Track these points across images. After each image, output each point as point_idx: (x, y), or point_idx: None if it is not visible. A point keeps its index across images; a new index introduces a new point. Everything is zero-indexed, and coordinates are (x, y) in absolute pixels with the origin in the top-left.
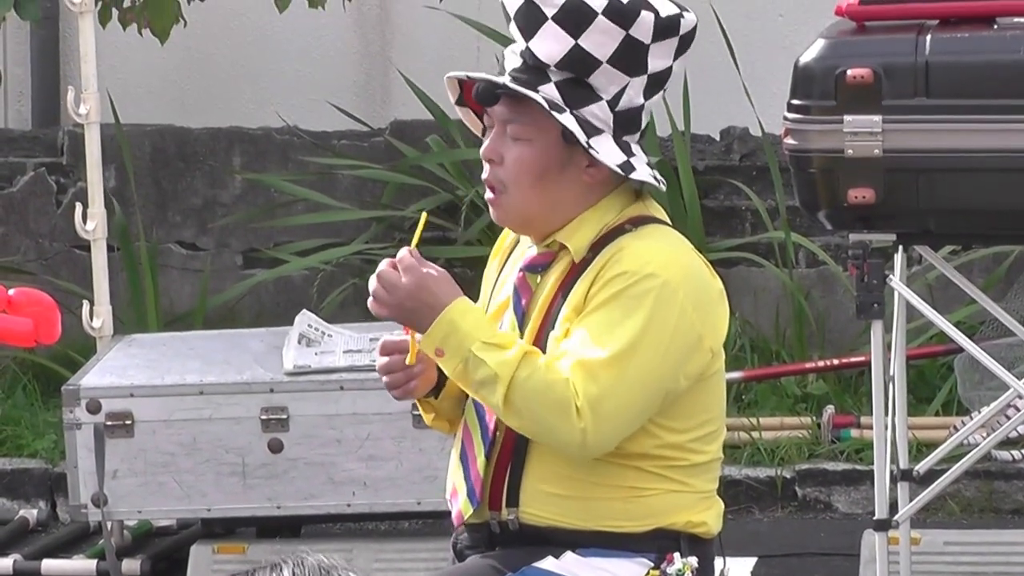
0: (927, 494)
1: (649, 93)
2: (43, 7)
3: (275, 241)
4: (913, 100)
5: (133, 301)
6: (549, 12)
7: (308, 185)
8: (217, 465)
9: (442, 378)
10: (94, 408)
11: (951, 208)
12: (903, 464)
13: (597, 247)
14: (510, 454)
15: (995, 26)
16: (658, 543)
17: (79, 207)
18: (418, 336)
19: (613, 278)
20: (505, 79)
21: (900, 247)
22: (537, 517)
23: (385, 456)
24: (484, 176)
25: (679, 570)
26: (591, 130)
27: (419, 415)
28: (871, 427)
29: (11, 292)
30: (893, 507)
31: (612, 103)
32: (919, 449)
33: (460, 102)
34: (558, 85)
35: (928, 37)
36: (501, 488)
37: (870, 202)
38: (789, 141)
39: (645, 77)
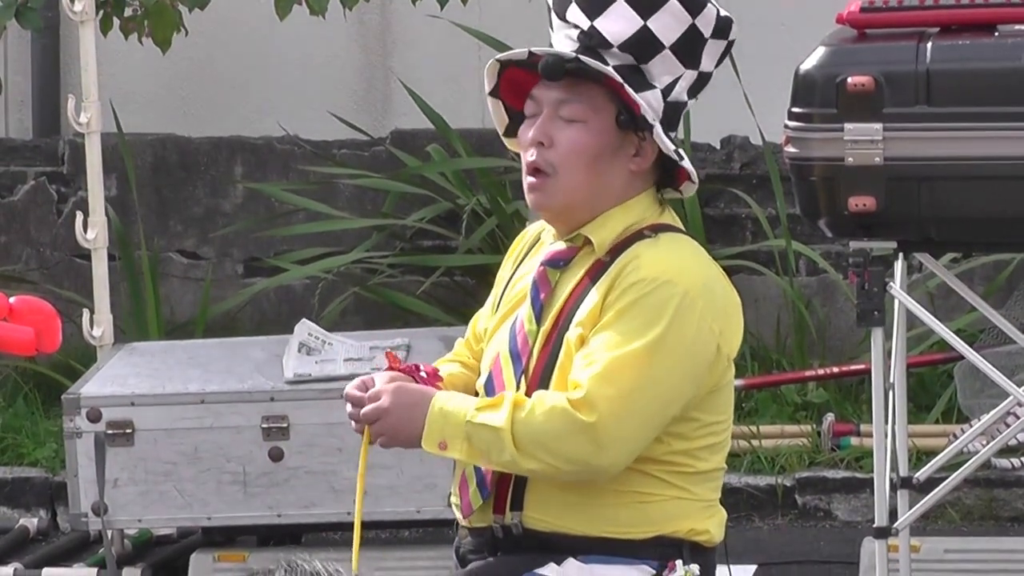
0: (927, 502)
1: (693, 92)
2: (44, 16)
3: (276, 250)
4: (914, 108)
5: (134, 310)
6: None
7: (309, 194)
8: (218, 474)
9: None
10: (95, 417)
11: (952, 216)
12: (903, 472)
13: (617, 249)
14: None
15: (996, 33)
16: (660, 550)
17: (80, 216)
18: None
19: (631, 285)
20: (589, 60)
21: (900, 255)
22: (541, 522)
23: (385, 465)
24: (530, 158)
25: None
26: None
27: None
28: (871, 435)
29: (12, 300)
30: (893, 515)
31: (665, 92)
32: (919, 457)
33: (493, 93)
34: (617, 69)
35: (929, 45)
36: (506, 491)
37: (871, 210)
38: (790, 149)
39: (696, 73)
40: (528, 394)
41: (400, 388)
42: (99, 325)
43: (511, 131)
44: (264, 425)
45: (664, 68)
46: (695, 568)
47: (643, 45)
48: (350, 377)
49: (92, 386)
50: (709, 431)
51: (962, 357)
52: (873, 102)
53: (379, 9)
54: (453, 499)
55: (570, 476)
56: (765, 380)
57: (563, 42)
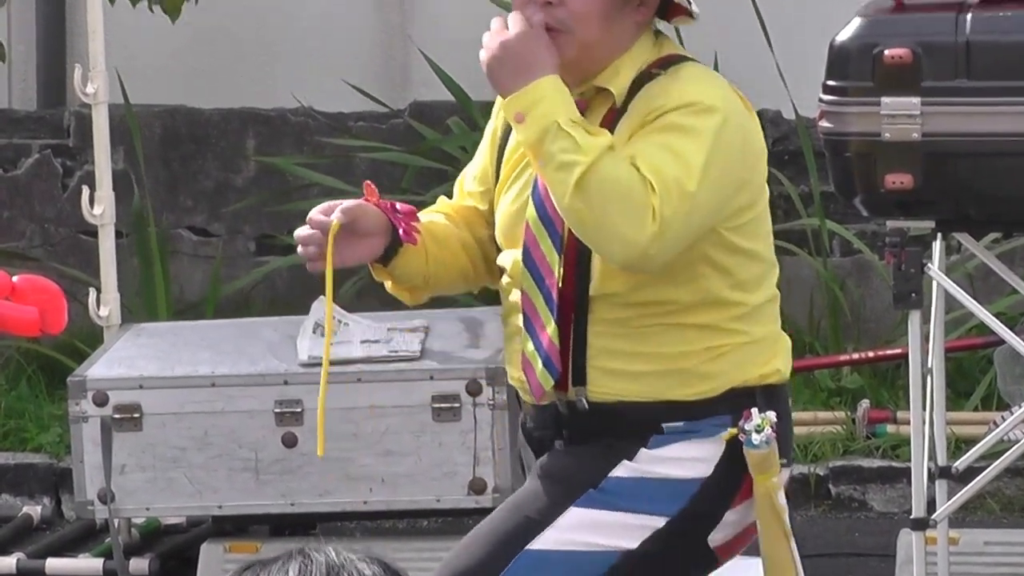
0: (966, 492)
1: None
2: None
3: (290, 227)
4: (953, 81)
5: (142, 289)
6: None
7: (324, 169)
8: (229, 460)
9: (394, 245)
10: (101, 400)
11: (993, 194)
12: (941, 461)
13: (629, 94)
14: (571, 323)
15: None
16: (733, 403)
17: (86, 191)
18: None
19: (672, 109)
20: None
21: (939, 235)
22: (607, 395)
23: (403, 451)
24: (538, 18)
25: (758, 425)
26: None
27: (439, 408)
28: (908, 422)
29: (15, 279)
30: (930, 505)
31: None
32: (958, 445)
33: None
34: None
35: (969, 15)
36: (566, 368)
37: (908, 187)
38: (824, 124)
39: None
40: (571, 259)
41: (529, 38)
42: (106, 305)
43: None
44: (277, 410)
45: None
46: (771, 415)
47: None
48: (366, 360)
49: (98, 368)
50: (752, 258)
51: (1003, 341)
52: (911, 75)
53: None
54: (514, 375)
55: (596, 240)
56: (798, 364)
57: None
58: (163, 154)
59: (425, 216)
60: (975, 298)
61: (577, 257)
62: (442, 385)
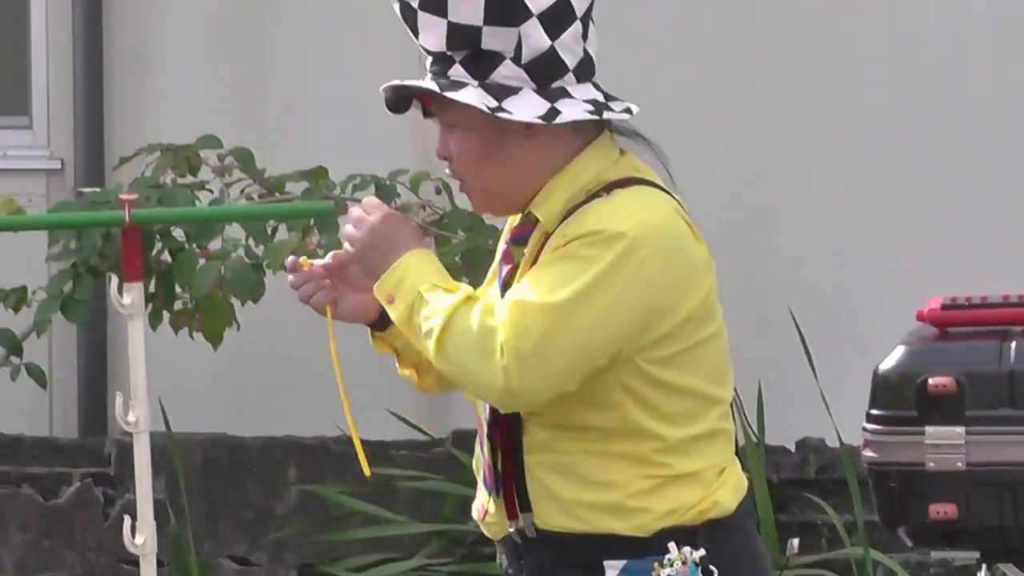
0: None
1: (555, 31)
2: (90, 308)
3: (332, 556)
4: (997, 411)
5: None
6: (414, 3)
7: (366, 497)
8: None
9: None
10: None
11: None
12: None
13: (568, 214)
14: (510, 444)
15: None
16: (672, 540)
17: (127, 520)
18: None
19: (576, 238)
20: (403, 82)
21: (984, 565)
22: (550, 524)
23: None
24: (448, 172)
25: (670, 559)
26: (507, 92)
27: None
28: None
29: None
30: None
31: (516, 59)
32: None
33: (399, 111)
34: (462, 63)
35: (1013, 344)
36: (512, 494)
37: (953, 518)
38: (868, 453)
39: (534, 19)
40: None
41: (392, 219)
42: None
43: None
44: None
45: (498, 40)
46: (692, 552)
47: (463, 38)
48: None
49: None
50: (680, 393)
51: None
52: (955, 404)
53: None
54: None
55: (472, 392)
56: None
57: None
58: (204, 482)
59: None
60: None
61: None
62: None
